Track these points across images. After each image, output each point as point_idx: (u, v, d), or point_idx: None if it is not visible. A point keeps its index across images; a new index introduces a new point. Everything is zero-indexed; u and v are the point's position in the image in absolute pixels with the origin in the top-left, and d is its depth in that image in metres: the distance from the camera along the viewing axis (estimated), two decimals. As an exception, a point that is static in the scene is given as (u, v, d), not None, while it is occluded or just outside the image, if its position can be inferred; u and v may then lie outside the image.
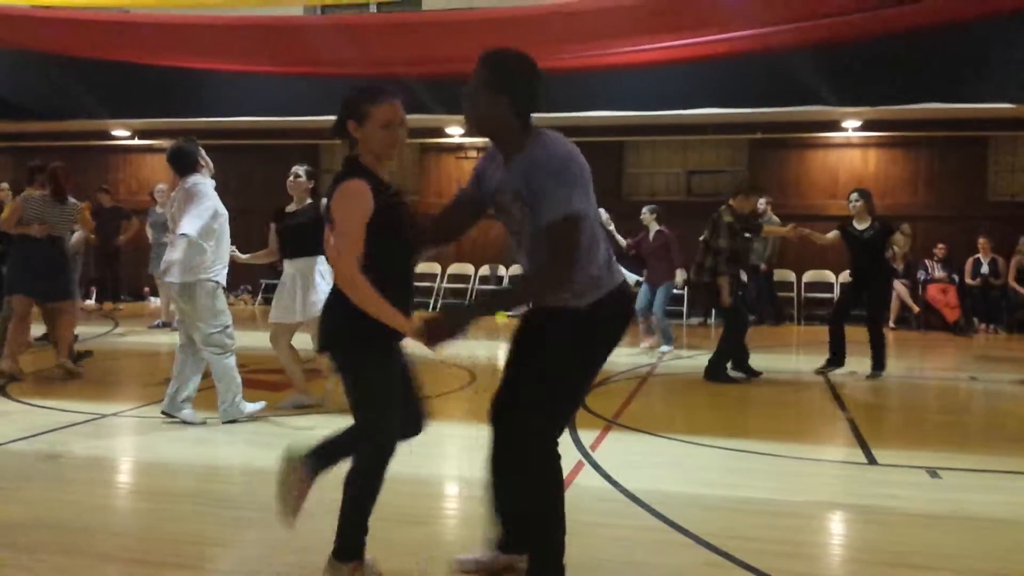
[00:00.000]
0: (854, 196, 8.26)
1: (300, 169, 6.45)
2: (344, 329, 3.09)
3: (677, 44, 6.38)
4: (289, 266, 6.35)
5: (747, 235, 8.25)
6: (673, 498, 4.32)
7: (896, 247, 8.51)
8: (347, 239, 2.98)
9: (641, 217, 9.98)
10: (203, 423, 5.79)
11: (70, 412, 6.16)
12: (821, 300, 13.40)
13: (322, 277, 6.23)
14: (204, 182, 5.78)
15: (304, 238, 6.18)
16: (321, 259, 6.22)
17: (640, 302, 9.69)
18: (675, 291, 10.23)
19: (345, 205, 3.02)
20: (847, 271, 9.14)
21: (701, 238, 8.01)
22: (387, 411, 3.12)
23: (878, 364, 8.11)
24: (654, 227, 9.83)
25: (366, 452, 3.18)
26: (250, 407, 5.96)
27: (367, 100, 3.16)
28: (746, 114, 12.12)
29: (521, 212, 2.97)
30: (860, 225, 8.18)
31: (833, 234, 8.49)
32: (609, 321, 3.08)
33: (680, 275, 9.82)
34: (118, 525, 4.03)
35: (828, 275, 13.54)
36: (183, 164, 5.79)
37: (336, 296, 3.08)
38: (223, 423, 5.78)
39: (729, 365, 7.91)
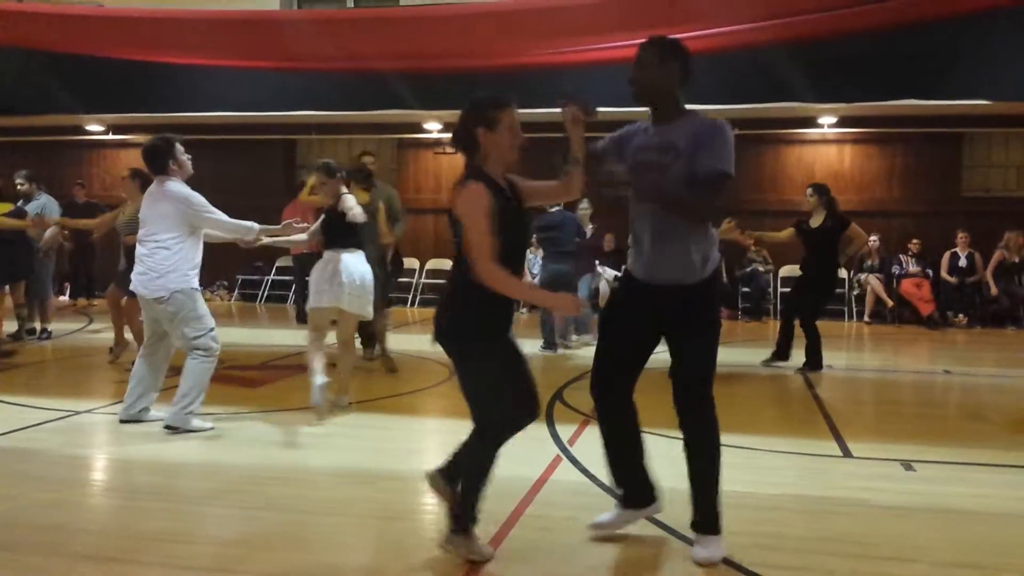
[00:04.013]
0: (808, 191, 8.32)
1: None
2: (469, 323, 3.31)
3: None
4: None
5: None
6: (650, 492, 4.33)
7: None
8: (484, 238, 3.18)
9: (580, 211, 9.78)
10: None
11: (43, 409, 6.10)
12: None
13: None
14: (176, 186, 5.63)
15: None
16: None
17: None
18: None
19: (470, 207, 3.22)
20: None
21: None
22: (501, 401, 3.35)
23: (782, 355, 8.22)
24: (588, 225, 9.86)
25: (486, 440, 3.37)
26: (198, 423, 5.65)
27: (495, 107, 3.33)
28: (722, 110, 12.14)
29: (671, 163, 3.37)
30: (813, 222, 8.24)
31: (788, 231, 8.53)
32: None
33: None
34: (92, 523, 4.00)
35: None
36: (154, 164, 5.67)
37: (460, 292, 3.33)
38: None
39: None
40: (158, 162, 5.62)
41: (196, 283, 5.61)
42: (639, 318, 3.56)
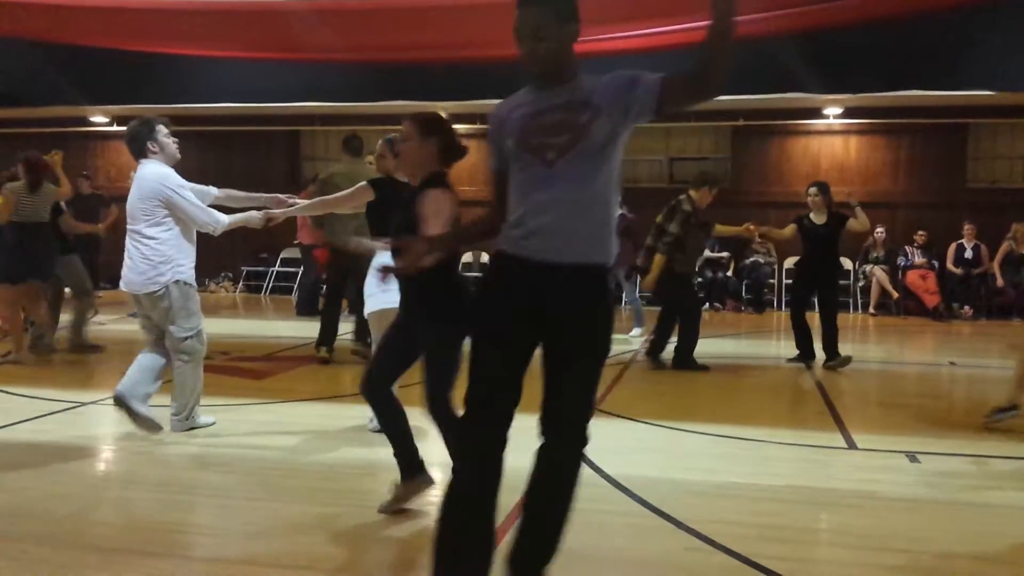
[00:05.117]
0: (813, 190, 8.21)
1: (382, 144, 5.38)
2: (448, 307, 3.54)
3: (657, 31, 6.37)
4: None
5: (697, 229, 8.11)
6: (655, 483, 4.34)
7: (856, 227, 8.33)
8: None
9: None
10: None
11: (50, 400, 6.12)
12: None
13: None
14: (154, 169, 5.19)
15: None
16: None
17: None
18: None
19: (435, 209, 3.38)
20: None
21: (656, 220, 7.94)
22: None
23: (833, 353, 8.12)
24: (618, 210, 9.71)
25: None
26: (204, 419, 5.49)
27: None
28: (728, 101, 12.13)
29: (588, 121, 2.73)
30: (817, 219, 8.16)
31: (790, 228, 8.43)
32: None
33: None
34: (100, 514, 4.00)
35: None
36: (133, 147, 5.27)
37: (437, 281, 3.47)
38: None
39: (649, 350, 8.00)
40: (136, 145, 5.22)
41: (191, 277, 5.24)
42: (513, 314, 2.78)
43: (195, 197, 5.21)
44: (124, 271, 5.20)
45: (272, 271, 15.00)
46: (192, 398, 5.35)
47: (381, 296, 5.11)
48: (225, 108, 11.66)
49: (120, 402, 5.04)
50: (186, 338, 5.22)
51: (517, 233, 2.73)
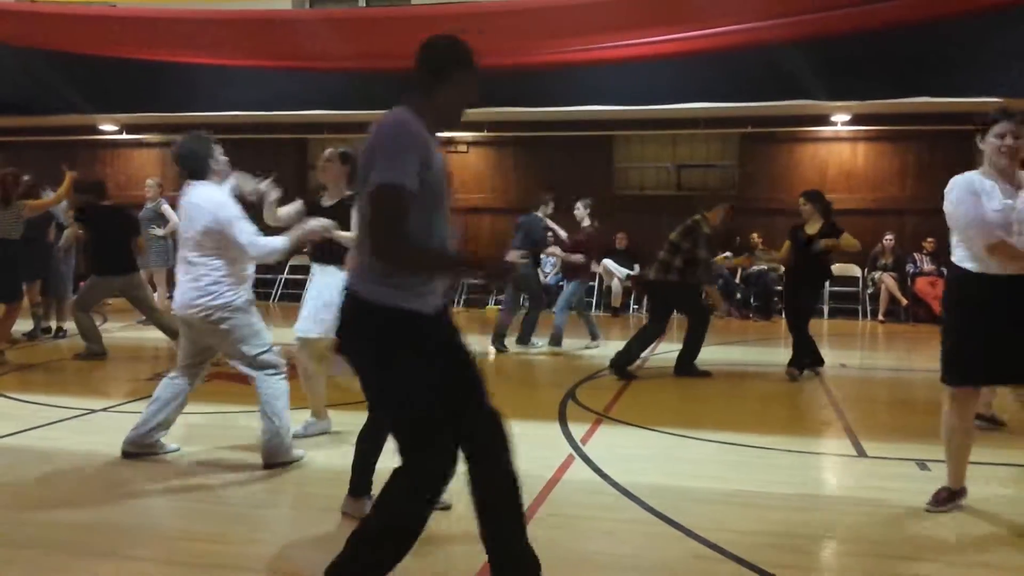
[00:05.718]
0: (801, 200, 8.08)
1: (332, 152, 5.28)
2: None
3: (667, 39, 6.38)
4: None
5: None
6: (663, 491, 4.34)
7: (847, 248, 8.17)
8: None
9: (575, 212, 9.68)
10: None
11: (59, 408, 6.14)
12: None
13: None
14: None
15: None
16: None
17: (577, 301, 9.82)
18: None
19: None
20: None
21: (670, 237, 7.92)
22: None
23: (797, 363, 7.97)
24: (586, 222, 9.67)
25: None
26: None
27: None
28: (736, 108, 12.14)
29: None
30: (811, 229, 8.01)
31: (786, 246, 8.20)
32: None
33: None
34: (111, 521, 4.01)
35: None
36: (195, 166, 4.76)
37: None
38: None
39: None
40: (196, 163, 4.72)
41: (245, 297, 4.77)
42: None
43: (249, 227, 4.66)
44: (176, 294, 4.79)
45: (280, 279, 15.03)
46: (286, 416, 4.86)
47: (325, 323, 5.04)
48: (233, 116, 11.68)
49: (132, 456, 4.91)
50: (259, 353, 4.84)
51: (427, 289, 2.79)
